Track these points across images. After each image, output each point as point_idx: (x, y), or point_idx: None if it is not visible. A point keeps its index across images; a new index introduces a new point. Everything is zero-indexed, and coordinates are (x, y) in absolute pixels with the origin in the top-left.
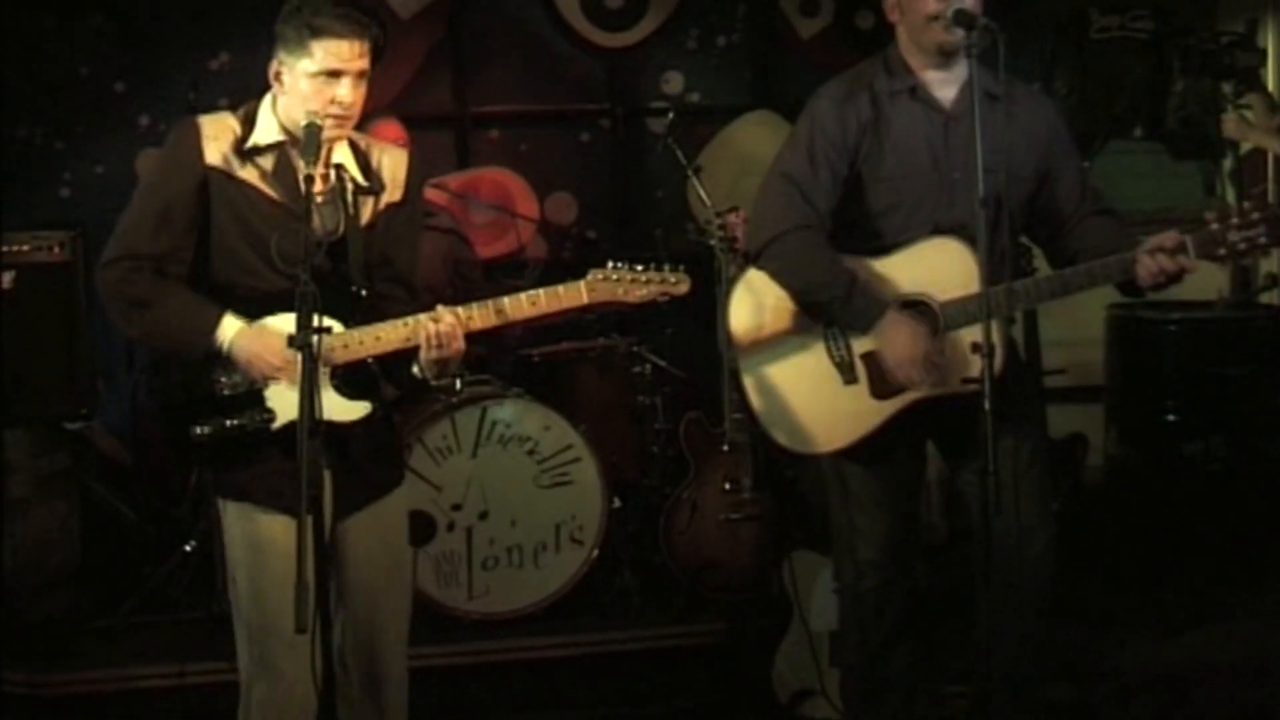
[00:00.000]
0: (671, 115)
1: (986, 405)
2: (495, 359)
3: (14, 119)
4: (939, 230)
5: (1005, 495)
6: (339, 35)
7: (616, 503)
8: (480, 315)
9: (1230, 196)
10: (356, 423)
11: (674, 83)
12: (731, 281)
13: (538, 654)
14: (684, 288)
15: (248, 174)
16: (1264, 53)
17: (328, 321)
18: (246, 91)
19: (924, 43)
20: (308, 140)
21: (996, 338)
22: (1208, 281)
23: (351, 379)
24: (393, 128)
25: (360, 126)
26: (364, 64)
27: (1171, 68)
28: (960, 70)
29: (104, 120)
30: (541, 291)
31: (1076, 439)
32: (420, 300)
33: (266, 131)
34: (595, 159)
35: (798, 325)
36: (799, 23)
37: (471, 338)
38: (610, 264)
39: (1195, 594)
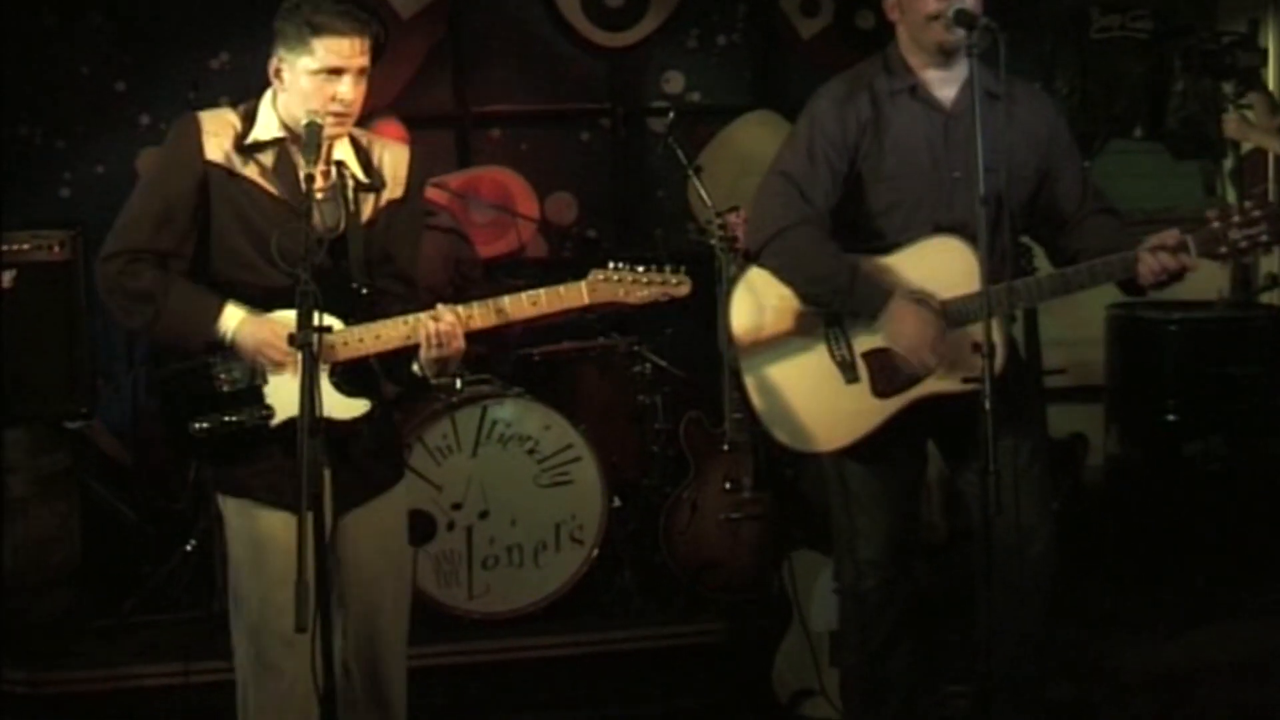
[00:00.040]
0: (672, 115)
1: (987, 405)
2: (495, 358)
3: (14, 118)
4: (939, 229)
5: (1005, 495)
6: (340, 33)
7: (616, 502)
8: (481, 314)
9: (1231, 197)
10: (356, 420)
11: (674, 82)
12: (732, 281)
13: (538, 654)
14: (685, 289)
15: (248, 170)
16: (1265, 52)
17: (328, 319)
18: (246, 91)
19: (924, 42)
20: (309, 139)
21: (997, 337)
22: (1208, 281)
23: (351, 377)
24: (393, 127)
25: (361, 126)
26: (365, 61)
27: (1172, 68)
28: (960, 69)
29: (104, 120)
30: (542, 291)
31: (1076, 439)
32: (420, 297)
33: (267, 127)
34: (595, 159)
35: (799, 325)
36: (799, 23)
37: (472, 337)
38: (611, 264)
39: (1195, 594)
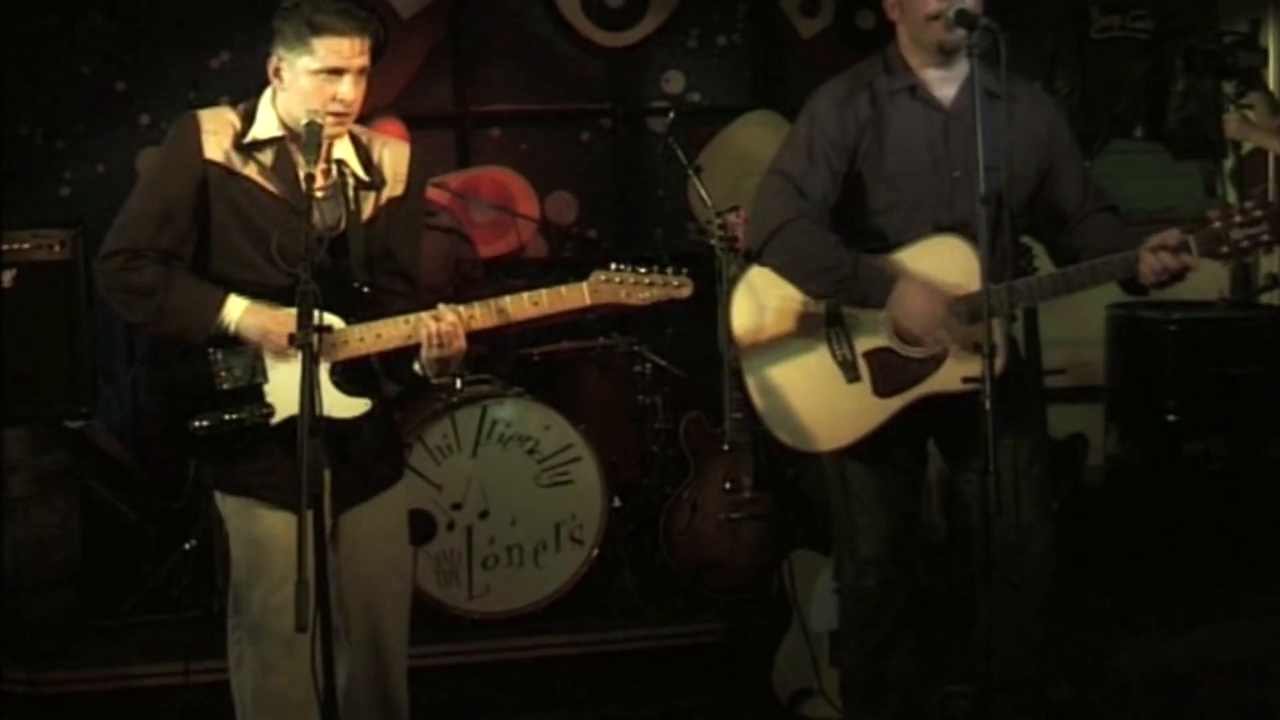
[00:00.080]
0: (672, 115)
1: (987, 405)
2: (496, 358)
3: (14, 118)
4: (940, 229)
5: (1005, 495)
6: (340, 33)
7: (617, 502)
8: (482, 314)
9: (1231, 197)
10: (356, 419)
11: (674, 82)
12: (732, 281)
13: (538, 654)
14: (687, 291)
15: (248, 169)
16: (1266, 52)
17: (329, 318)
18: (247, 91)
19: (925, 41)
20: (309, 139)
21: (997, 337)
22: (1208, 281)
23: (352, 375)
24: (394, 126)
25: (361, 125)
26: (365, 61)
27: (1173, 67)
28: (960, 69)
29: (104, 119)
30: (544, 292)
31: (1076, 439)
32: (422, 296)
33: (266, 126)
34: (595, 159)
35: (799, 325)
36: (799, 23)
37: (472, 337)
38: (613, 265)
39: (1195, 594)
